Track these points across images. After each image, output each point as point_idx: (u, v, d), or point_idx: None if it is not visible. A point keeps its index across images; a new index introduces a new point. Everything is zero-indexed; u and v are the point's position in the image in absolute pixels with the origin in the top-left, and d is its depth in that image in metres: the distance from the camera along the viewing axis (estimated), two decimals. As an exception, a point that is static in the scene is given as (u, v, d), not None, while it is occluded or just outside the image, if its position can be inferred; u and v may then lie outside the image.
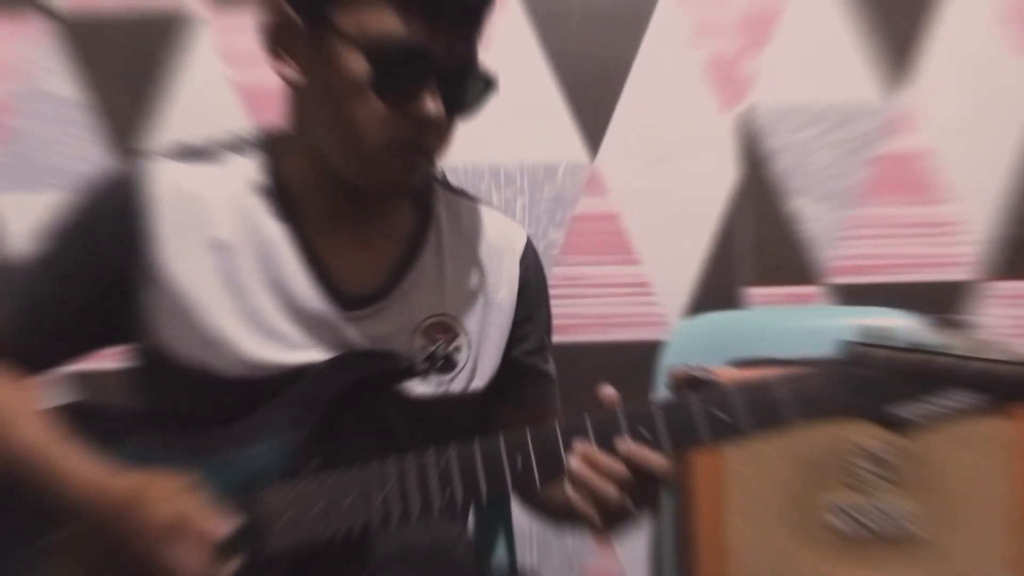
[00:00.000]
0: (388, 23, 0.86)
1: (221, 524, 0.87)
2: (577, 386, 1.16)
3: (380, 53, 0.87)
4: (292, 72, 0.94)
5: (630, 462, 0.84)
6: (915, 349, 0.83)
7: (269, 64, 0.94)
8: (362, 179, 0.95)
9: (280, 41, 0.93)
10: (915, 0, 1.71)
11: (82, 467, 0.92)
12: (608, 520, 0.85)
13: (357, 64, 0.87)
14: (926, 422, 0.82)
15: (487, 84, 0.94)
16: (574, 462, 0.85)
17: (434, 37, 0.87)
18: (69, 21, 1.75)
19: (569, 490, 0.86)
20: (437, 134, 0.93)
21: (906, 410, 0.82)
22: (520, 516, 1.27)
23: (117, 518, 0.87)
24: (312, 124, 0.95)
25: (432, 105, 0.89)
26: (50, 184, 1.75)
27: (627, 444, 0.85)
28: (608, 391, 0.89)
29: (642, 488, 0.85)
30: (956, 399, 0.81)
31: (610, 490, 0.83)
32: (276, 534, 0.90)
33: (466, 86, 0.93)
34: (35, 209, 1.70)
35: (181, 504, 0.87)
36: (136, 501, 0.87)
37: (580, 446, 0.86)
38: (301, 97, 0.96)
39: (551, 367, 1.14)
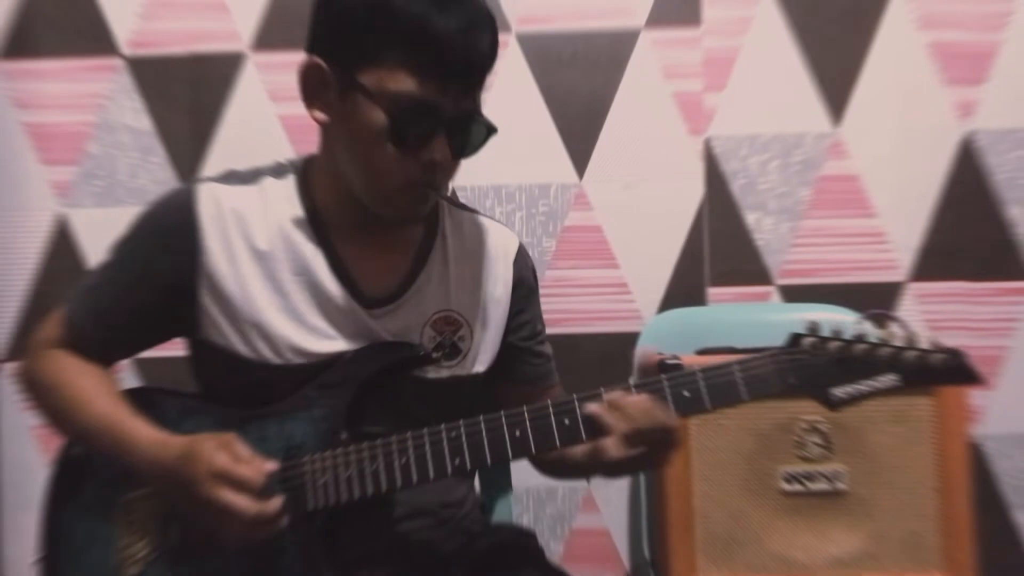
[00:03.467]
0: (404, 84, 0.87)
1: (263, 467, 0.87)
2: (566, 370, 1.17)
3: (396, 109, 0.87)
4: (323, 116, 0.94)
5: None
6: (849, 339, 0.84)
7: (305, 107, 0.95)
8: (379, 209, 0.96)
9: (315, 90, 0.93)
10: (851, 43, 1.72)
11: (147, 434, 0.92)
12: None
13: (377, 117, 0.88)
14: (857, 400, 0.83)
15: (488, 129, 0.94)
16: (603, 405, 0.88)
17: (444, 95, 0.88)
18: (137, 61, 1.75)
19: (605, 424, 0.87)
20: (444, 173, 0.94)
21: (841, 390, 0.83)
22: (518, 480, 1.27)
23: (175, 472, 0.88)
24: (339, 159, 0.96)
25: (440, 151, 0.90)
26: (117, 201, 1.76)
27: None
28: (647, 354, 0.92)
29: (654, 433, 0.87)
30: (883, 380, 0.82)
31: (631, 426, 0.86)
32: (312, 495, 0.91)
33: (470, 133, 0.93)
34: (104, 223, 1.73)
35: (227, 454, 0.87)
36: (190, 455, 0.87)
37: (608, 395, 0.88)
38: (330, 135, 0.97)
39: (547, 348, 1.15)
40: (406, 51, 0.86)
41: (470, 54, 0.88)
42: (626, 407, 0.87)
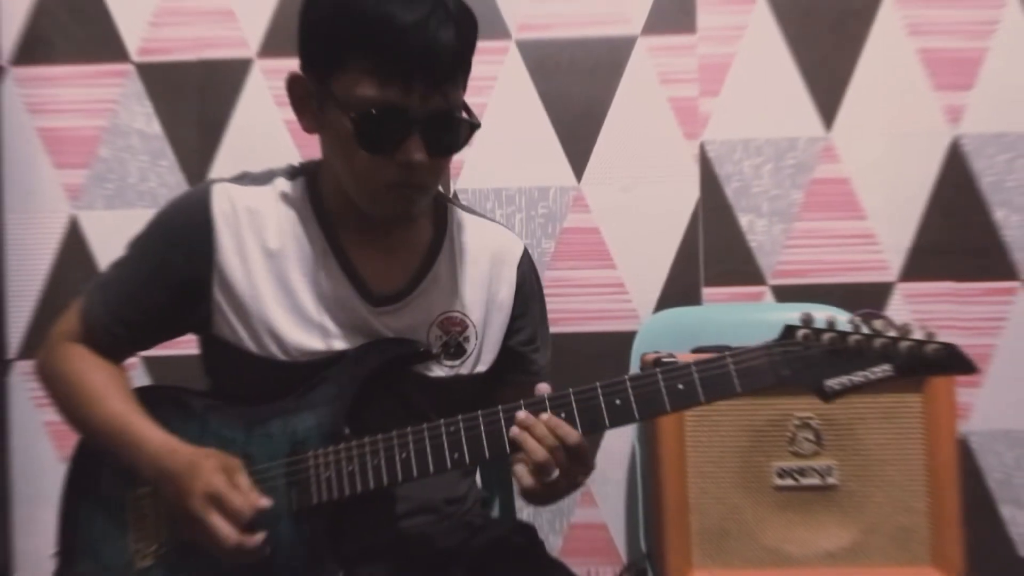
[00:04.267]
0: (367, 89, 0.85)
1: (256, 502, 0.87)
2: (565, 367, 1.17)
3: (361, 115, 0.86)
4: (310, 126, 0.94)
5: (553, 432, 0.85)
6: (843, 331, 0.84)
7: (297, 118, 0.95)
8: (369, 211, 0.95)
9: (300, 102, 0.94)
10: (842, 50, 1.72)
11: (153, 437, 0.92)
12: (537, 481, 0.85)
13: (345, 124, 0.87)
14: (851, 391, 0.83)
15: (470, 126, 0.92)
16: (514, 429, 0.86)
17: (409, 96, 0.86)
18: (147, 67, 1.75)
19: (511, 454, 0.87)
20: (427, 172, 0.91)
21: (835, 381, 0.83)
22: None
23: (175, 480, 0.88)
24: (331, 164, 0.96)
25: (414, 151, 0.87)
26: (127, 204, 1.75)
27: (551, 417, 0.85)
28: (542, 387, 0.89)
29: (567, 457, 0.85)
30: (876, 371, 0.82)
31: (541, 453, 0.84)
32: (316, 490, 0.91)
33: (447, 131, 0.90)
34: (114, 225, 1.73)
35: (226, 479, 0.87)
36: (191, 469, 0.88)
37: (521, 414, 0.86)
38: (322, 142, 0.97)
39: (541, 355, 1.13)
40: (366, 54, 0.85)
41: (430, 49, 0.84)
42: (535, 429, 0.85)
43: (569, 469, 0.85)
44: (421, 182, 0.92)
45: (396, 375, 0.98)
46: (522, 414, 0.86)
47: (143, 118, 1.75)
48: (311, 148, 0.99)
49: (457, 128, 0.91)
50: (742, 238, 1.73)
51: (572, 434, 0.85)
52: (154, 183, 1.75)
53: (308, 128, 0.95)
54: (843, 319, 0.85)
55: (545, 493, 0.87)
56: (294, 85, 0.93)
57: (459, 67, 0.90)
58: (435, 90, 0.87)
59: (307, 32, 0.91)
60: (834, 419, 1.26)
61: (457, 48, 0.87)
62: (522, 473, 0.86)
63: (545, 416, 0.86)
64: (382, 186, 0.90)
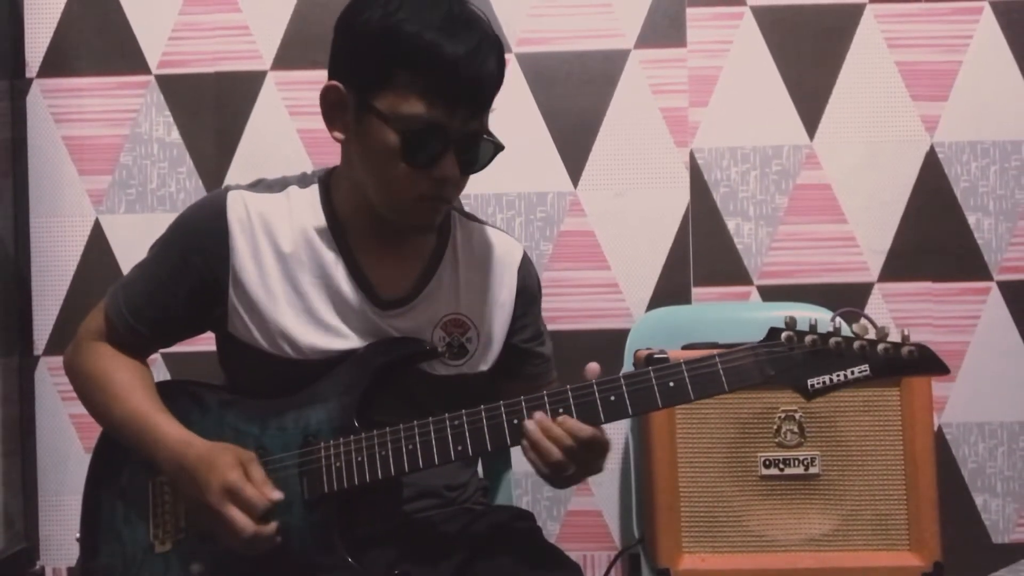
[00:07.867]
0: (415, 107, 0.87)
1: (270, 494, 0.87)
2: (561, 363, 1.17)
3: (408, 131, 0.87)
4: (341, 135, 0.94)
5: (569, 432, 0.86)
6: (824, 333, 0.84)
7: (325, 126, 0.95)
8: (395, 220, 0.96)
9: (333, 111, 0.94)
10: (824, 62, 1.72)
11: (171, 433, 0.92)
12: (553, 475, 0.87)
13: (390, 138, 0.88)
14: (831, 390, 0.83)
15: (495, 147, 0.94)
16: (530, 425, 0.86)
17: (452, 117, 0.87)
18: (166, 79, 1.75)
19: (524, 446, 0.88)
20: (454, 187, 0.94)
21: (816, 380, 0.83)
22: (518, 465, 1.27)
23: (192, 473, 0.88)
24: (357, 173, 0.96)
25: (450, 168, 0.89)
26: (148, 208, 1.74)
27: (566, 419, 0.86)
28: (593, 366, 0.91)
29: (583, 453, 0.86)
30: (855, 372, 0.82)
31: (554, 451, 0.85)
32: (327, 479, 0.91)
33: (478, 151, 0.93)
34: (135, 228, 1.73)
35: (241, 472, 0.87)
36: (208, 463, 0.88)
37: (538, 414, 0.87)
38: (348, 151, 0.97)
39: (546, 347, 1.14)
40: (417, 76, 0.86)
41: (477, 78, 0.87)
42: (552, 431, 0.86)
43: (586, 460, 0.87)
44: (448, 196, 0.94)
45: (402, 373, 0.99)
46: (531, 424, 0.87)
47: (163, 127, 1.75)
48: (322, 156, 0.99)
49: (486, 149, 0.93)
50: (730, 241, 1.73)
51: (584, 429, 0.86)
52: (173, 189, 1.75)
53: (339, 138, 0.95)
54: (825, 319, 0.85)
55: (564, 482, 0.91)
56: (328, 94, 0.93)
57: (495, 94, 0.92)
58: (474, 114, 0.90)
59: (351, 48, 0.91)
60: (817, 412, 1.26)
61: (497, 78, 0.91)
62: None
63: (561, 418, 0.87)
64: (414, 197, 0.91)
